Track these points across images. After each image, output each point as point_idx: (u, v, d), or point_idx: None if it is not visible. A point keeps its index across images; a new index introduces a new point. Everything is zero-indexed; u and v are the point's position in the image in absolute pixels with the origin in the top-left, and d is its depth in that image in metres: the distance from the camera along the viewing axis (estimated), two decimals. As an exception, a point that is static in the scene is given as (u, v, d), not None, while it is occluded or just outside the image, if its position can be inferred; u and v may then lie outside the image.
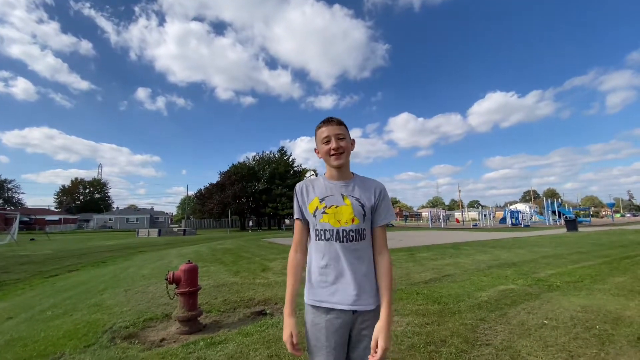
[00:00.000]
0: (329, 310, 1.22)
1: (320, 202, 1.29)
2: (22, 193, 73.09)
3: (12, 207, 60.61)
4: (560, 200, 46.15)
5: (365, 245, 1.28)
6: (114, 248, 16.07)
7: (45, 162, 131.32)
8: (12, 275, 8.12)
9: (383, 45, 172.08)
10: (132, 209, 71.36)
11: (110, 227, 59.18)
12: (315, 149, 1.39)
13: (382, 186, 1.36)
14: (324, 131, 1.30)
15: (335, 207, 1.27)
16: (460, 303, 3.93)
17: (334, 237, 1.24)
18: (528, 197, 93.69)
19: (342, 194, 1.30)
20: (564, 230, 19.15)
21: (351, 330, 1.24)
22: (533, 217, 38.95)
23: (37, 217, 50.59)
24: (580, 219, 33.18)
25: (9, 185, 68.59)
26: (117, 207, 75.18)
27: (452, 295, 4.32)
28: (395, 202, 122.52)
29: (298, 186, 1.39)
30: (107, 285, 5.79)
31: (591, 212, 51.69)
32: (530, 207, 46.79)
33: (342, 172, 1.34)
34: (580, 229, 19.35)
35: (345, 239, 1.24)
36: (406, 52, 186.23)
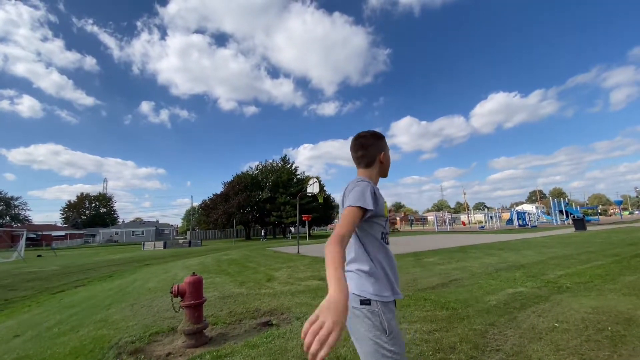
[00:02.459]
0: (394, 303, 1.28)
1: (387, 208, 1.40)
2: (28, 210, 73.90)
3: (19, 224, 61.12)
4: (567, 200, 45.64)
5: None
6: (120, 262, 16.10)
7: (51, 178, 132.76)
8: (19, 293, 8.15)
9: (384, 50, 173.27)
10: (138, 222, 71.75)
11: (116, 241, 59.40)
12: (383, 153, 1.46)
13: None
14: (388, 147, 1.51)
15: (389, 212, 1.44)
16: (469, 308, 3.88)
17: (387, 238, 1.38)
18: (534, 197, 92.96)
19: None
20: (572, 229, 18.91)
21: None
22: (540, 218, 38.56)
23: (44, 233, 51.00)
24: (588, 217, 32.78)
25: (15, 203, 69.45)
26: (123, 221, 75.65)
27: (460, 300, 4.26)
28: (400, 206, 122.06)
29: (370, 184, 1.30)
30: (114, 299, 5.79)
31: (599, 211, 51.07)
32: (537, 208, 46.33)
33: None
34: (588, 228, 19.10)
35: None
36: (407, 56, 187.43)
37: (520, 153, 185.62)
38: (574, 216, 23.61)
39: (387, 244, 1.34)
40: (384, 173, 1.49)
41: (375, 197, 1.27)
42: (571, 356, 2.49)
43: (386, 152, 1.48)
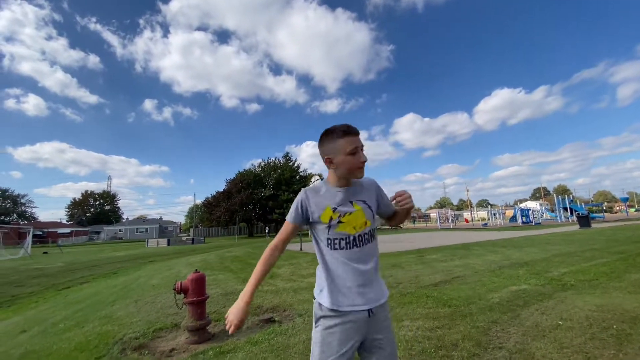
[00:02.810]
0: (347, 313, 1.26)
1: (333, 211, 1.31)
2: (34, 207, 74.54)
3: (26, 222, 61.72)
4: (571, 197, 45.38)
5: (376, 243, 1.38)
6: (125, 259, 16.23)
7: (57, 176, 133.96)
8: (26, 289, 8.24)
9: (387, 46, 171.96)
10: (142, 220, 72.23)
11: (120, 238, 59.86)
12: (327, 158, 1.32)
13: (374, 180, 1.46)
14: (351, 142, 1.27)
15: (350, 215, 1.31)
16: (471, 305, 3.86)
17: (351, 243, 1.30)
18: (538, 194, 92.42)
19: (350, 200, 1.34)
20: (577, 227, 18.77)
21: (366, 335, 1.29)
22: (544, 215, 38.31)
23: (50, 230, 51.51)
24: (593, 214, 32.55)
25: (22, 200, 70.07)
26: (127, 218, 76.12)
27: (463, 297, 4.25)
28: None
29: (304, 193, 1.37)
30: (118, 296, 5.84)
31: (604, 208, 50.66)
32: (540, 205, 46.07)
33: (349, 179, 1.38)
34: (593, 225, 18.96)
35: (361, 243, 1.31)
36: (411, 52, 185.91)
37: (524, 150, 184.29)
38: (578, 213, 23.44)
39: (338, 248, 1.30)
40: (342, 174, 1.33)
41: (302, 208, 1.34)
42: (575, 354, 2.47)
43: (335, 155, 1.29)
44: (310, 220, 1.35)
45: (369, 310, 1.26)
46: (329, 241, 1.31)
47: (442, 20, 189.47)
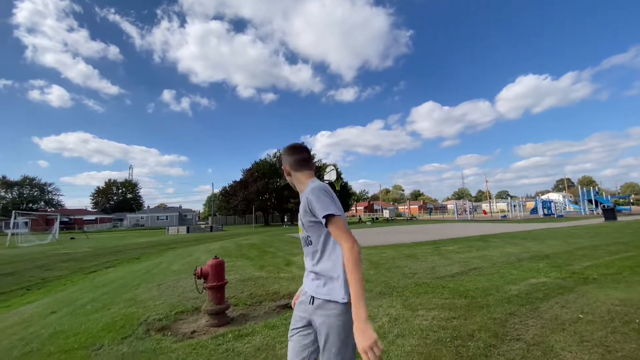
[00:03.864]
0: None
1: None
2: (61, 195, 77.73)
3: (53, 209, 64.69)
4: (597, 188, 43.57)
5: (315, 249, 1.38)
6: (147, 245, 16.83)
7: (81, 165, 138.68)
8: (55, 272, 8.70)
9: (406, 31, 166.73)
10: (162, 208, 74.40)
11: (142, 225, 61.94)
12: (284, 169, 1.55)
13: (310, 188, 1.36)
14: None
15: None
16: (489, 297, 3.83)
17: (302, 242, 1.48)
18: (561, 185, 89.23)
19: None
20: (602, 220, 18.10)
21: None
22: (567, 207, 37.08)
23: (76, 217, 53.86)
24: (619, 207, 31.22)
25: (49, 188, 73.26)
26: (148, 206, 78.55)
27: (480, 288, 4.21)
28: (418, 194, 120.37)
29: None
30: (141, 280, 6.09)
31: (632, 200, 48.46)
32: (564, 197, 44.58)
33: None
34: (619, 218, 18.24)
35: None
36: (431, 37, 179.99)
37: (548, 139, 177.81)
38: (603, 205, 22.52)
39: (303, 246, 1.45)
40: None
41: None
42: (595, 347, 2.43)
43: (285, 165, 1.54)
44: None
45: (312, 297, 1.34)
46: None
47: (463, 3, 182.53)
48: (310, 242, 1.39)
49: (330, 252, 1.33)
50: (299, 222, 1.43)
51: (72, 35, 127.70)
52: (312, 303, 1.32)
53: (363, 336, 1.03)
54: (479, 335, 2.73)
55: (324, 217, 1.24)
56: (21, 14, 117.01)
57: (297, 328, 1.38)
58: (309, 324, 1.35)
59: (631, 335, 2.60)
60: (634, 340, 2.51)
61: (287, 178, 1.55)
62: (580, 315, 3.09)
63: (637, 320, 2.88)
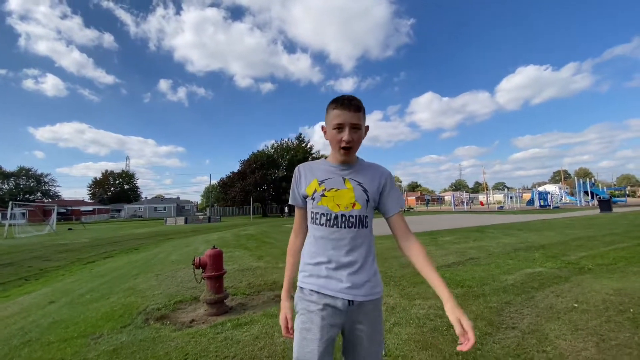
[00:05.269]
0: (323, 296, 1.14)
1: (319, 184, 1.21)
2: (57, 186, 77.52)
3: (50, 200, 64.49)
4: (593, 180, 43.87)
5: (366, 233, 1.20)
6: (145, 236, 16.85)
7: (77, 156, 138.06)
8: (53, 263, 8.71)
9: (407, 20, 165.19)
10: (160, 199, 74.36)
11: (140, 216, 62.00)
12: (323, 127, 1.26)
13: (388, 172, 1.28)
14: (339, 115, 1.14)
15: (336, 190, 1.18)
16: (485, 286, 3.87)
17: (332, 222, 1.16)
18: (558, 177, 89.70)
19: (343, 177, 1.20)
20: (597, 211, 18.25)
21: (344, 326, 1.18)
22: (563, 199, 37.32)
23: (73, 208, 53.73)
24: (615, 199, 31.49)
25: (45, 179, 72.98)
26: (146, 197, 78.53)
27: (476, 278, 4.25)
28: (416, 186, 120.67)
29: (296, 169, 1.31)
30: (140, 270, 6.11)
31: (627, 192, 48.89)
32: (560, 188, 44.76)
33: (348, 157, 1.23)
34: (615, 210, 18.39)
35: (344, 224, 1.15)
36: (432, 27, 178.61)
37: (547, 131, 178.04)
38: (599, 197, 22.69)
39: (318, 224, 1.19)
40: (333, 149, 1.23)
41: (296, 185, 1.28)
42: (590, 336, 2.47)
43: (327, 126, 1.22)
44: (297, 195, 1.28)
45: (349, 301, 1.13)
46: (312, 215, 1.21)
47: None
48: (366, 224, 1.19)
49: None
50: (361, 200, 1.17)
51: (66, 22, 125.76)
52: (353, 304, 1.14)
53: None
54: (475, 324, 2.76)
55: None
56: (14, 1, 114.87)
57: (326, 339, 1.11)
58: (340, 327, 1.18)
59: (625, 324, 2.64)
60: (628, 329, 2.55)
61: (355, 151, 1.22)
62: (575, 305, 3.13)
63: (631, 310, 2.92)
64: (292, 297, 1.28)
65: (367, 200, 1.18)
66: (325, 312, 1.12)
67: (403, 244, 1.25)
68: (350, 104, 1.13)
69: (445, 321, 2.84)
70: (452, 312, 1.04)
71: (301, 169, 1.29)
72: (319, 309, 1.12)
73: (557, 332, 2.55)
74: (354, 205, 1.16)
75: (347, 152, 1.17)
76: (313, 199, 1.20)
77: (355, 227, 1.16)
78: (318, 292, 1.14)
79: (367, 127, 1.24)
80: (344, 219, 1.15)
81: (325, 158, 1.32)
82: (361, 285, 1.14)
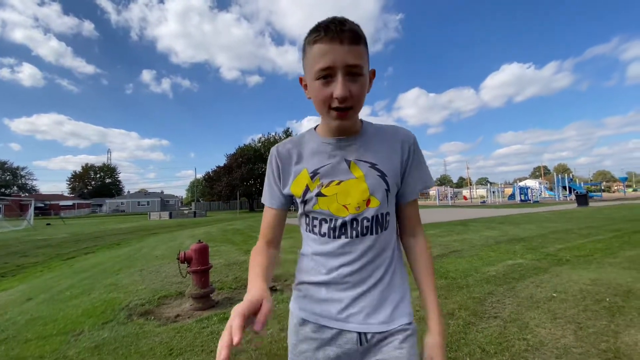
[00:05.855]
0: (324, 329, 0.78)
1: (312, 177, 0.80)
2: (35, 180, 74.69)
3: (27, 194, 62.15)
4: (571, 176, 45.37)
5: (387, 238, 0.81)
6: (127, 231, 16.47)
7: (56, 149, 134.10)
8: (31, 259, 8.41)
9: (396, 15, 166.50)
10: (143, 193, 72.71)
11: (122, 210, 60.54)
12: (301, 79, 0.79)
13: (413, 137, 0.83)
14: (325, 53, 0.67)
15: (338, 184, 0.78)
16: (468, 278, 3.96)
17: (338, 230, 0.78)
18: (538, 173, 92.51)
19: (347, 160, 0.79)
20: (575, 205, 18.93)
21: None
22: (543, 193, 38.55)
23: (52, 202, 51.97)
24: (591, 194, 32.71)
25: (21, 172, 70.21)
26: (129, 192, 76.61)
27: (460, 270, 4.35)
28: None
29: (272, 153, 0.85)
30: (123, 265, 5.97)
31: (603, 187, 50.83)
32: (540, 183, 46.18)
33: (347, 123, 0.77)
34: (591, 204, 19.11)
35: (355, 232, 0.77)
36: (420, 22, 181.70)
37: (529, 128, 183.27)
38: (576, 192, 23.54)
39: (317, 234, 0.81)
40: (323, 115, 0.77)
41: (274, 178, 0.85)
42: (568, 324, 2.56)
43: (307, 75, 0.74)
44: (279, 193, 0.85)
45: (360, 334, 0.76)
46: (307, 220, 0.83)
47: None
48: (386, 225, 0.80)
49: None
50: (379, 191, 0.77)
51: (43, 9, 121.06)
52: (368, 341, 0.76)
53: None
54: (459, 314, 2.82)
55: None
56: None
57: None
58: None
59: (601, 312, 2.75)
60: (604, 317, 2.66)
61: (357, 111, 0.74)
62: (554, 294, 3.24)
63: (607, 299, 3.04)
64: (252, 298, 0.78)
65: (387, 190, 0.78)
66: (326, 352, 0.77)
67: (407, 240, 0.88)
68: (341, 31, 0.66)
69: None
70: (432, 349, 0.77)
71: (280, 154, 0.84)
72: (315, 347, 0.78)
73: (537, 321, 2.64)
74: (368, 202, 0.77)
75: (344, 115, 0.72)
76: (305, 202, 0.80)
77: (372, 234, 0.77)
78: (315, 323, 0.79)
79: (373, 72, 0.79)
80: (355, 225, 0.77)
81: (315, 129, 0.87)
82: (380, 311, 0.77)
